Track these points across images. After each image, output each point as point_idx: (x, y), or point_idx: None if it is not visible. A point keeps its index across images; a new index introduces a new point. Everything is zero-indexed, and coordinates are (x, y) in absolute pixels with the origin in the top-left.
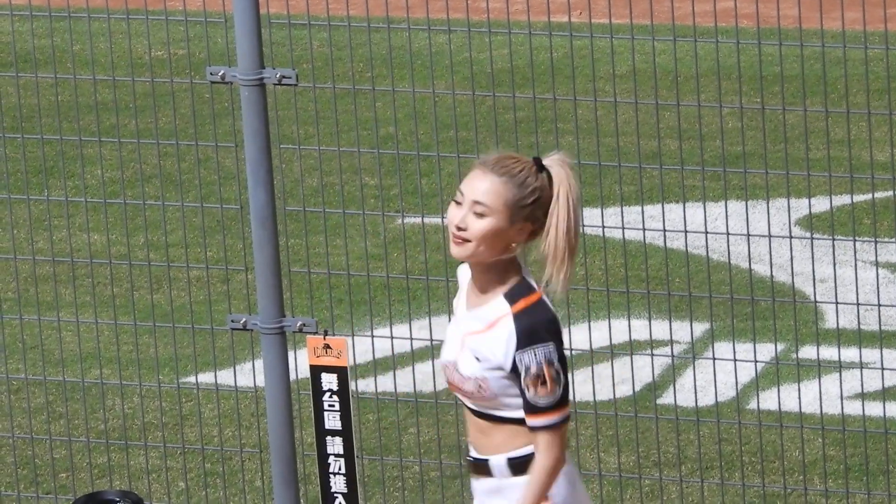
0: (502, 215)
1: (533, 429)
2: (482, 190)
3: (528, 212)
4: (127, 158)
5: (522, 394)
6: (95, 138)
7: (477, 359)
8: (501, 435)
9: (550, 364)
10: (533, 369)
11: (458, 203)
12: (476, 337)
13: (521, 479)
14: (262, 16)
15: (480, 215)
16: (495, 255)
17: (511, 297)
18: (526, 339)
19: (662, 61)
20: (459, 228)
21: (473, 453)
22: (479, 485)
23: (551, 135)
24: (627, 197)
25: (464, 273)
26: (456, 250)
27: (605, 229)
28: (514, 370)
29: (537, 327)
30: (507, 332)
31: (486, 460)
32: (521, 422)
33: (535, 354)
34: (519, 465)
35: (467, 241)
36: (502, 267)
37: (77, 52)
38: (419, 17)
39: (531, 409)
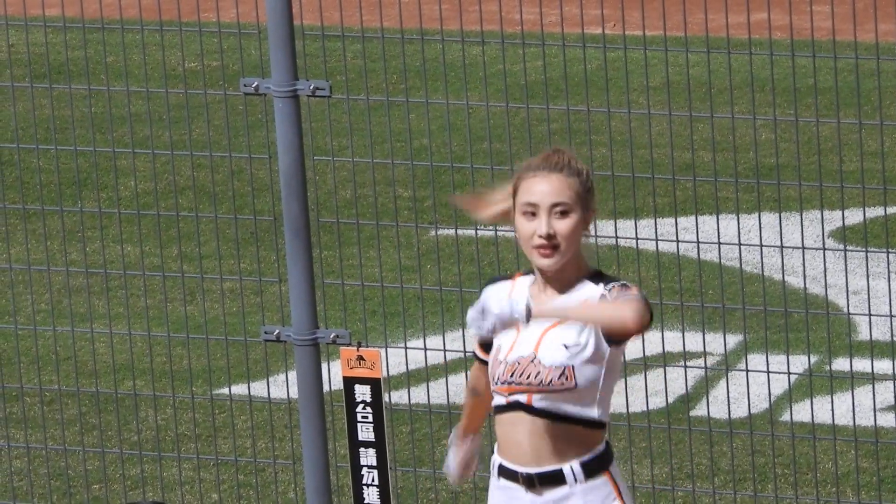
0: (578, 207)
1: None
2: (555, 190)
3: (591, 196)
4: (160, 170)
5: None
6: (129, 150)
7: (565, 346)
8: (570, 437)
9: (638, 292)
10: (617, 289)
11: (532, 215)
12: (562, 325)
13: (594, 483)
14: (296, 28)
15: (564, 214)
16: (575, 249)
17: (599, 280)
18: (615, 289)
19: (696, 73)
20: (550, 237)
21: (532, 468)
22: (539, 499)
23: (585, 147)
24: (661, 209)
25: (495, 292)
26: (549, 262)
27: (639, 241)
28: (600, 342)
29: (629, 286)
30: (591, 289)
31: (559, 470)
32: (590, 423)
33: (620, 290)
34: (591, 468)
35: (556, 246)
36: (575, 260)
37: (111, 63)
38: (453, 29)
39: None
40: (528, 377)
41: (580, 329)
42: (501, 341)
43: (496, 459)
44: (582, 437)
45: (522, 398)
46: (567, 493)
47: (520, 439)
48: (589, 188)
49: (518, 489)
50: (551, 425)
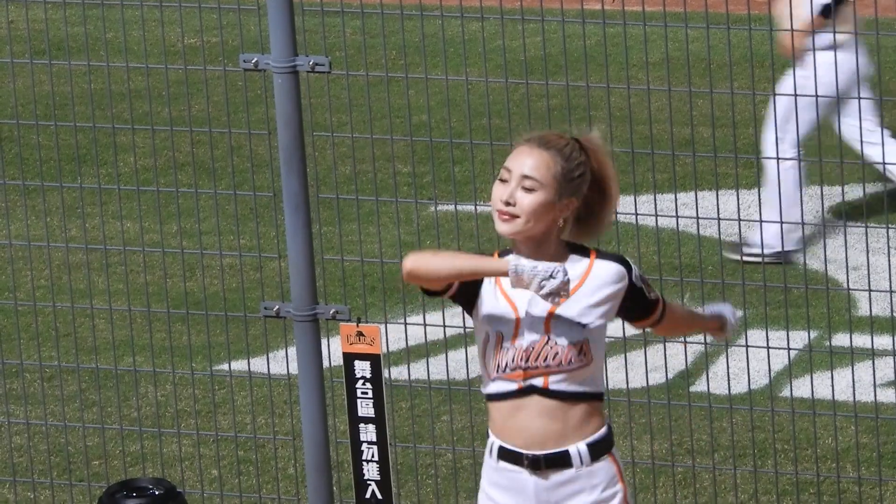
0: (551, 189)
1: (663, 309)
2: (531, 164)
3: (575, 185)
4: (160, 146)
5: (645, 301)
6: (128, 126)
7: (579, 323)
8: (578, 416)
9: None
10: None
11: (504, 181)
12: (572, 299)
13: (598, 465)
14: (296, 3)
15: (529, 189)
16: (541, 230)
17: (582, 251)
18: (626, 261)
19: (695, 49)
20: (508, 204)
21: (538, 450)
22: (544, 482)
23: (584, 122)
24: (660, 184)
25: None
26: (504, 227)
27: (638, 217)
28: (628, 295)
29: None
30: (607, 265)
31: (565, 451)
32: (596, 397)
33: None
34: (597, 449)
35: (515, 216)
36: (555, 241)
37: (110, 39)
38: (452, 5)
39: (655, 302)
40: (545, 359)
41: (589, 304)
42: (501, 328)
43: (494, 441)
44: (589, 413)
45: (538, 382)
46: (573, 475)
47: (527, 423)
48: (573, 178)
49: (521, 472)
50: (562, 406)
